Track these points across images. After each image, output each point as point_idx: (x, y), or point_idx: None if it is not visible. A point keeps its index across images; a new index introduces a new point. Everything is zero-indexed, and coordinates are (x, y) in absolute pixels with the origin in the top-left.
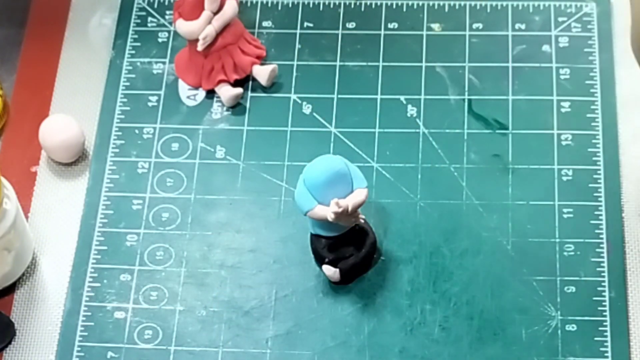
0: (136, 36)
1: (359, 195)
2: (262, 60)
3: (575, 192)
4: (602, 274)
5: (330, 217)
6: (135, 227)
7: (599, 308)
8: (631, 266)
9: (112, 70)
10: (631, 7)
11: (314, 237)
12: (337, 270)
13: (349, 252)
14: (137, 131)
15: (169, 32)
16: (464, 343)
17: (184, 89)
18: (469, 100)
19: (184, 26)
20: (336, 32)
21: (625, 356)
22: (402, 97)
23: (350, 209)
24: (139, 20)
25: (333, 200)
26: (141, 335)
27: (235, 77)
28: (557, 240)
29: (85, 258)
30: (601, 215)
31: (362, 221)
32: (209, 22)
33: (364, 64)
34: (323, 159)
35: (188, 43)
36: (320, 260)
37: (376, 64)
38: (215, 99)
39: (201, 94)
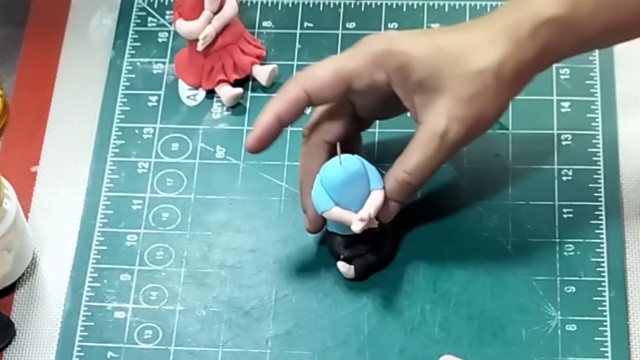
0: (136, 36)
1: (376, 198)
2: (262, 60)
3: (575, 192)
4: (602, 274)
5: (357, 231)
6: (135, 227)
7: (599, 308)
8: (631, 266)
9: (112, 70)
10: None
11: (330, 234)
12: (352, 267)
13: (365, 249)
14: (137, 131)
15: (169, 32)
16: (464, 343)
17: (184, 89)
18: None
19: (184, 26)
20: (336, 32)
21: (625, 356)
22: None
23: (372, 215)
24: (139, 20)
25: (356, 217)
26: (141, 335)
27: (235, 77)
28: (557, 240)
29: (85, 258)
30: (601, 215)
31: (376, 226)
32: (209, 22)
33: None
34: (340, 159)
35: (188, 43)
36: (335, 257)
37: None
38: (215, 99)
39: (201, 94)
